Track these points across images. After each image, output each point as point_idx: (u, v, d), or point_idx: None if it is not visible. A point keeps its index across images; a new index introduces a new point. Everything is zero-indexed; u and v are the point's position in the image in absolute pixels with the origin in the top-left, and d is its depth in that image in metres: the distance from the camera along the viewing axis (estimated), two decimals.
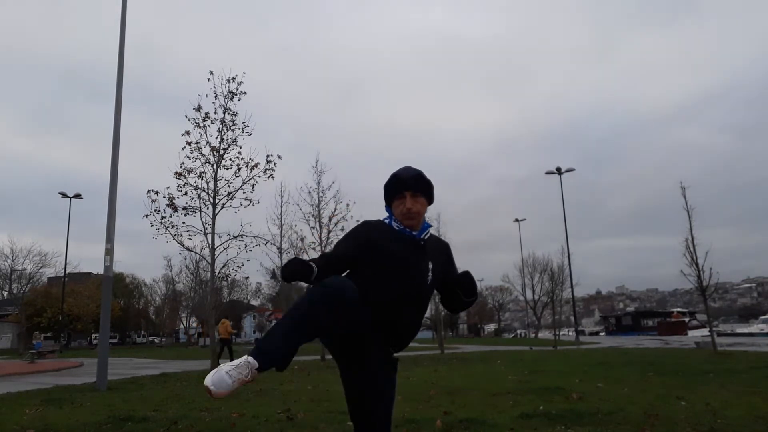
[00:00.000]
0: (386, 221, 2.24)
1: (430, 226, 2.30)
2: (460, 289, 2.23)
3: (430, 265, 2.17)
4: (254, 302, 62.56)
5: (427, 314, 52.31)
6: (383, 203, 2.31)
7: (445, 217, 38.14)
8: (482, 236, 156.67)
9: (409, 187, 2.17)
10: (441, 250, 2.28)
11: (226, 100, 12.75)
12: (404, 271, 2.10)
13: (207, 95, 12.72)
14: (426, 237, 2.23)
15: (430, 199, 2.26)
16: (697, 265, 16.85)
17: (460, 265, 2.40)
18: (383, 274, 2.07)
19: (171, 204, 12.31)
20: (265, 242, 15.02)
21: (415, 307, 2.15)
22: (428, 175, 2.27)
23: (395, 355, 2.25)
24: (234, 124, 12.76)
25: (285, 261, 2.39)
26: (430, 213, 25.29)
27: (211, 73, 12.68)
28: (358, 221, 17.74)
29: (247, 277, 46.69)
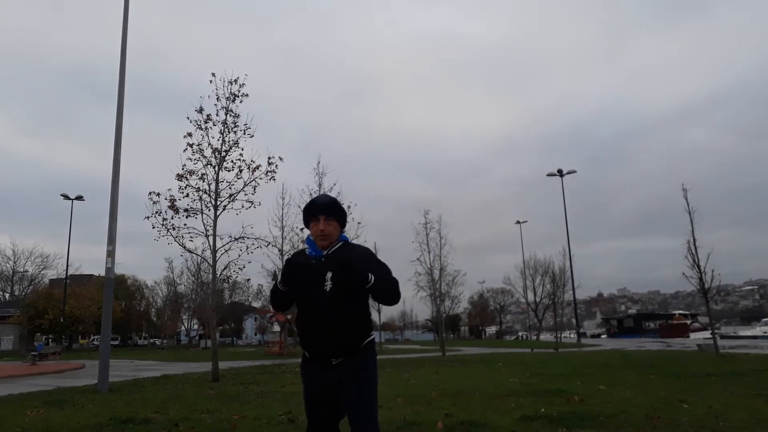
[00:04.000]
0: (306, 247, 2.61)
1: (345, 239, 2.63)
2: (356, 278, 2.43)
3: (329, 275, 2.44)
4: (255, 304, 62.38)
5: (428, 317, 52.11)
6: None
7: (447, 219, 37.99)
8: (484, 238, 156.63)
9: (322, 211, 2.54)
10: (354, 255, 2.48)
11: (228, 102, 12.77)
12: (306, 291, 2.47)
13: (209, 97, 12.75)
14: (330, 252, 2.54)
15: (342, 223, 2.61)
16: (698, 267, 16.84)
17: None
18: (300, 301, 2.52)
19: (172, 206, 12.30)
20: (266, 244, 15.04)
21: (322, 316, 2.43)
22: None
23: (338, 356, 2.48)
24: (236, 126, 12.77)
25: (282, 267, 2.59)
26: (432, 215, 25.24)
27: (213, 75, 12.71)
28: (359, 223, 17.62)
29: (248, 279, 46.47)
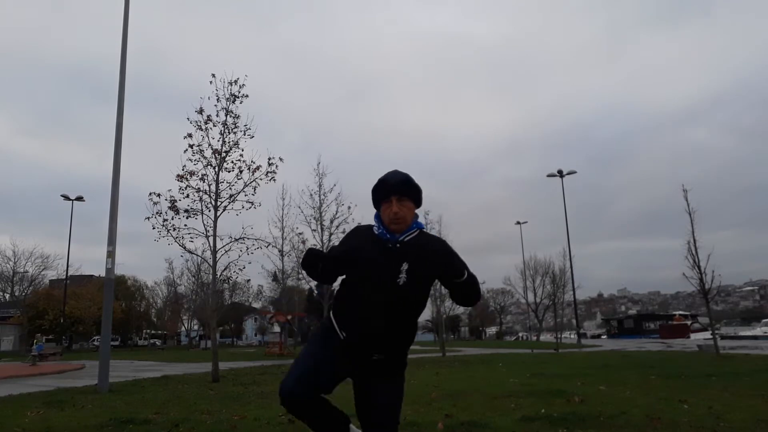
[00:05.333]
0: (373, 226, 2.30)
1: (421, 226, 2.32)
2: (452, 279, 2.23)
3: (405, 266, 2.17)
4: (256, 305, 62.35)
5: (428, 317, 52.34)
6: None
7: (447, 220, 37.82)
8: (484, 238, 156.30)
9: (395, 191, 2.22)
10: (430, 248, 2.24)
11: (228, 103, 12.79)
12: (372, 275, 2.17)
13: (209, 98, 12.77)
14: (406, 239, 2.23)
15: (417, 203, 2.29)
16: (699, 267, 16.84)
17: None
18: (356, 279, 2.22)
19: (173, 206, 12.32)
20: (266, 245, 15.03)
21: (387, 309, 2.17)
22: (417, 179, 2.30)
23: (397, 358, 2.31)
24: (236, 127, 12.79)
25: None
26: (432, 216, 25.13)
27: (213, 76, 12.74)
28: (360, 224, 17.82)
29: (248, 280, 46.46)
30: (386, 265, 2.18)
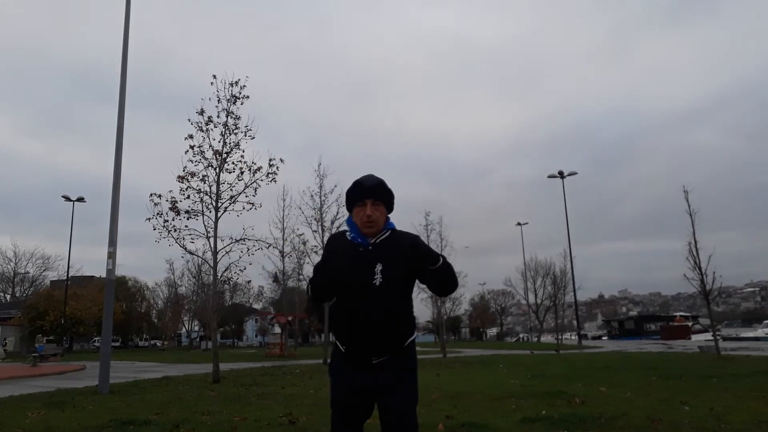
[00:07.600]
0: (346, 231, 2.35)
1: (392, 226, 2.35)
2: (423, 263, 2.24)
3: (379, 267, 2.21)
4: (256, 306, 62.31)
5: (429, 318, 52.19)
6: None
7: (448, 221, 37.54)
8: (485, 240, 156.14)
9: (370, 195, 2.27)
10: (402, 244, 2.26)
11: (228, 104, 12.81)
12: (349, 281, 2.22)
13: (210, 99, 12.79)
14: (378, 240, 2.28)
15: (389, 207, 2.35)
16: (700, 268, 16.83)
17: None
18: (339, 289, 2.26)
19: (174, 207, 12.33)
20: (267, 246, 15.04)
21: (368, 313, 2.19)
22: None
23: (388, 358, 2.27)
24: (237, 128, 12.81)
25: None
26: (433, 216, 25.12)
27: (214, 77, 12.76)
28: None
29: (249, 281, 46.45)
30: (361, 269, 2.21)
